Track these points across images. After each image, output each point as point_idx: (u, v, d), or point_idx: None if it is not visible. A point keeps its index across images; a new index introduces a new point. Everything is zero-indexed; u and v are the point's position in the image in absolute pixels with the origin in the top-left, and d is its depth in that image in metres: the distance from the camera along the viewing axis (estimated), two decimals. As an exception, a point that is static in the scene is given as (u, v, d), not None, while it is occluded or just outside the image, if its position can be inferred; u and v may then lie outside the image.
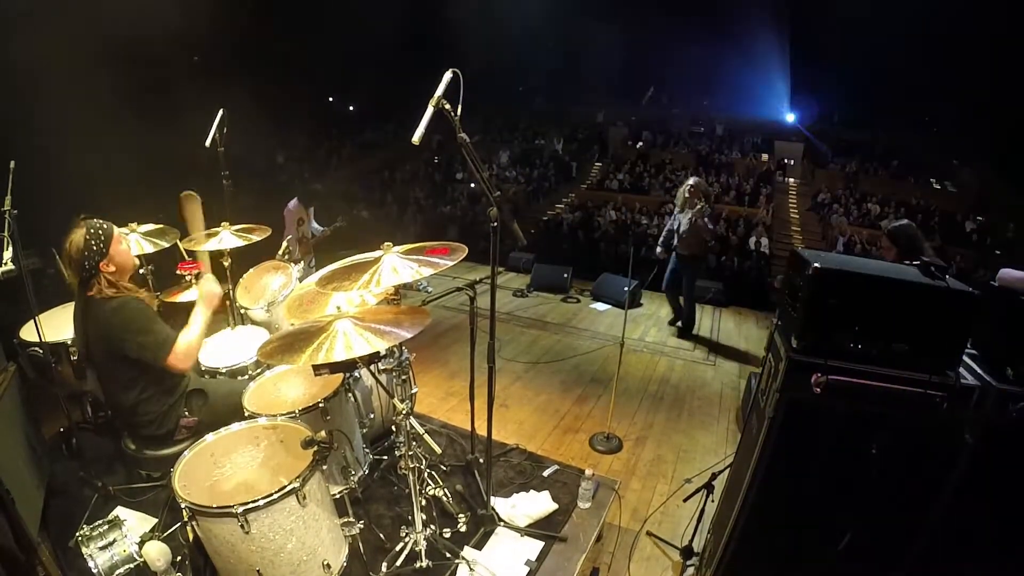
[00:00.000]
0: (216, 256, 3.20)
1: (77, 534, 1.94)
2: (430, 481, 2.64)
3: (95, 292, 2.11)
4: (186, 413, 2.37)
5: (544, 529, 2.49)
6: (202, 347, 2.34)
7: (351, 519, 2.23)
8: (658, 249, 5.84)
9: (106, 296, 2.10)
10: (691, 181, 5.48)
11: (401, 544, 2.27)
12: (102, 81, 7.08)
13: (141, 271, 2.87)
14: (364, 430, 2.70)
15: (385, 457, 2.89)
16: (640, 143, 19.14)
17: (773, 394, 1.83)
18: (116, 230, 2.18)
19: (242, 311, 3.22)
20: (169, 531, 2.15)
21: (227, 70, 9.21)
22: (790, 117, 18.44)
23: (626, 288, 4.10)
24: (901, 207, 13.68)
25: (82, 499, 2.52)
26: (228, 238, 3.07)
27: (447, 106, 1.79)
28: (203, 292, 2.43)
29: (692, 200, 5.36)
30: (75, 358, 2.70)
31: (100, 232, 2.10)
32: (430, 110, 1.77)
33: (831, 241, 12.32)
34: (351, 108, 17.48)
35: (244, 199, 3.74)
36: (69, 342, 2.67)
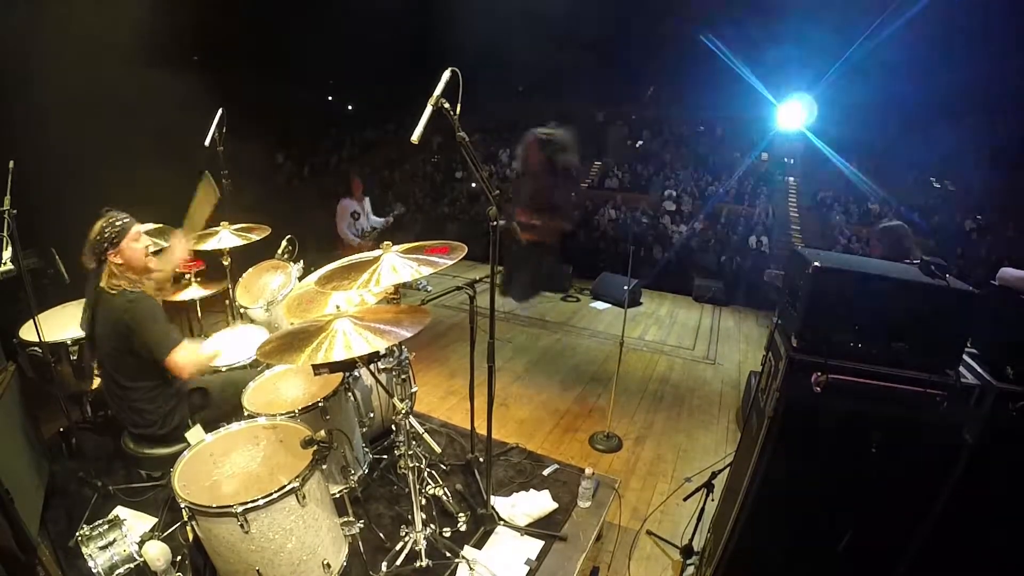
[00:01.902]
0: (216, 255, 3.21)
1: (77, 534, 1.94)
2: (430, 480, 2.64)
3: (104, 283, 2.15)
4: (189, 421, 2.36)
5: (544, 528, 2.49)
6: (202, 367, 2.34)
7: (351, 518, 2.23)
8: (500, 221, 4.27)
9: (117, 288, 2.14)
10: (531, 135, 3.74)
11: (401, 543, 2.27)
12: (101, 81, 7.07)
13: None
14: (364, 429, 2.70)
15: (385, 456, 2.89)
16: (640, 142, 19.11)
17: (773, 393, 1.83)
18: (136, 228, 2.21)
19: (241, 310, 3.22)
20: (169, 531, 2.15)
21: (226, 69, 9.19)
22: (790, 116, 18.40)
23: (626, 287, 4.11)
24: (900, 206, 13.67)
25: (82, 499, 2.52)
26: (228, 237, 3.06)
27: (446, 105, 1.79)
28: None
29: (532, 161, 3.72)
30: (75, 358, 2.70)
31: (117, 223, 2.16)
32: (429, 109, 1.77)
33: (831, 240, 12.31)
34: (350, 107, 17.43)
35: (244, 198, 3.73)
36: (69, 342, 2.67)
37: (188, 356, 2.18)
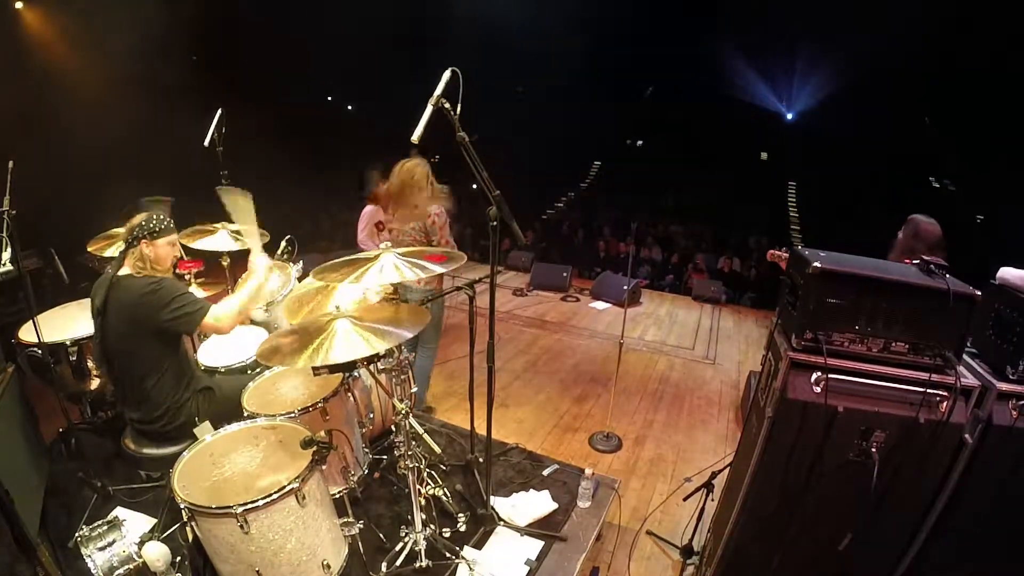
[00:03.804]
0: (215, 255, 3.21)
1: (76, 534, 1.94)
2: (430, 481, 2.64)
3: (127, 265, 2.19)
4: (196, 419, 2.36)
5: (544, 528, 2.49)
6: (244, 317, 2.39)
7: (351, 519, 2.23)
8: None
9: (138, 273, 2.19)
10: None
11: (401, 544, 2.27)
12: (101, 81, 7.08)
13: None
14: (363, 430, 2.70)
15: (385, 457, 2.89)
16: (639, 142, 19.15)
17: (773, 393, 1.83)
18: (176, 235, 2.32)
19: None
20: (168, 531, 2.15)
21: (226, 69, 9.19)
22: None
23: (625, 287, 4.11)
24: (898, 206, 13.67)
25: (81, 499, 2.51)
26: (224, 239, 3.07)
27: (446, 105, 1.79)
28: (253, 265, 2.55)
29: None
30: (74, 359, 2.70)
31: (164, 221, 2.25)
32: (429, 109, 1.77)
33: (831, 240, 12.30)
34: (350, 108, 17.44)
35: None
36: (68, 343, 2.66)
37: (222, 310, 2.24)
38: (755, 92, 18.24)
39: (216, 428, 2.13)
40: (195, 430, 2.19)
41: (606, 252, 11.27)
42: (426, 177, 3.32)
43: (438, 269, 2.09)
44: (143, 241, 2.18)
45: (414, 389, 2.90)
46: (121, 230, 2.24)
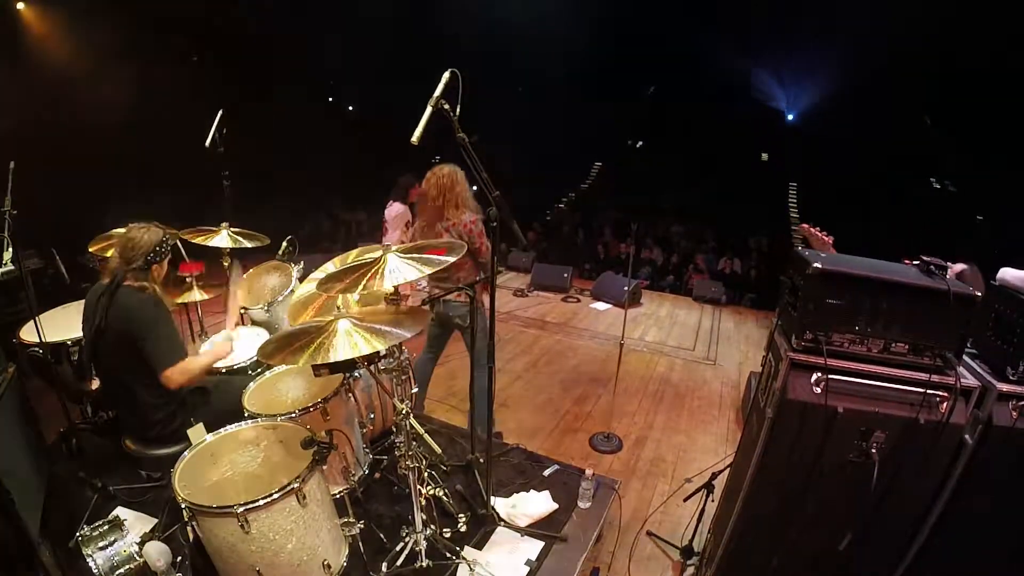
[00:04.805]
0: (216, 256, 3.21)
1: (77, 534, 1.94)
2: (430, 481, 2.64)
3: (132, 281, 2.20)
4: (192, 419, 2.36)
5: (544, 529, 2.49)
6: (194, 379, 2.36)
7: (351, 519, 2.24)
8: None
9: (142, 287, 2.20)
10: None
11: (401, 544, 2.27)
12: (102, 81, 7.09)
13: None
14: (364, 430, 2.70)
15: (385, 457, 2.89)
16: (640, 142, 19.13)
17: (773, 394, 1.83)
18: None
19: (242, 311, 3.22)
20: (169, 531, 2.15)
21: (227, 69, 9.20)
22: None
23: (626, 288, 4.11)
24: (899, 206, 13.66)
25: (82, 499, 2.52)
26: (227, 238, 3.08)
27: (446, 106, 1.79)
28: (218, 344, 2.58)
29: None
30: (75, 358, 2.70)
31: (170, 240, 2.33)
32: (429, 110, 1.77)
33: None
34: (350, 108, 17.44)
35: (243, 199, 3.73)
36: (69, 342, 2.67)
37: (181, 373, 2.20)
38: (755, 92, 18.22)
39: (216, 429, 2.13)
40: (189, 431, 2.19)
41: (606, 253, 11.27)
42: (466, 185, 3.12)
43: (446, 260, 2.06)
44: (155, 265, 2.24)
45: (415, 389, 2.90)
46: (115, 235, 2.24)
